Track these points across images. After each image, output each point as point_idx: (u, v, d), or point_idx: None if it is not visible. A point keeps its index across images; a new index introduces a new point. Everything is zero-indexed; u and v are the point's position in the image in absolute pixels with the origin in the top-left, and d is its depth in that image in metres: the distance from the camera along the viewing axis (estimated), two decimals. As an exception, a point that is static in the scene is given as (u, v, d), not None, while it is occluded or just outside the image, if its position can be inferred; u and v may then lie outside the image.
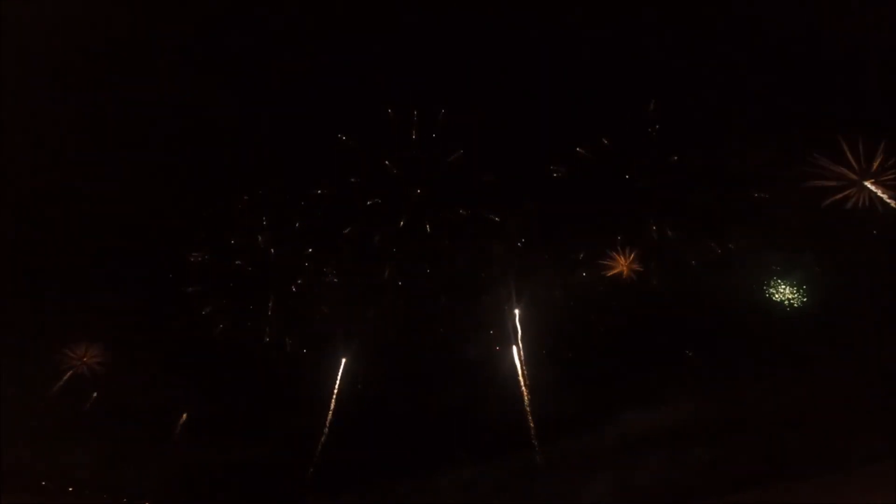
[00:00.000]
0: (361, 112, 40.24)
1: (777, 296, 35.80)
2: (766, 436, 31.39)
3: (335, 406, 39.82)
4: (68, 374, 39.75)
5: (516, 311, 39.19)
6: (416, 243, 41.56)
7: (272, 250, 42.77)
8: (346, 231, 42.20)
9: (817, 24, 33.47)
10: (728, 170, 36.28)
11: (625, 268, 36.88)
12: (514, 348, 38.71)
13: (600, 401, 35.65)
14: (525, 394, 37.73)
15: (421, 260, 41.60)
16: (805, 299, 35.31)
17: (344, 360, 40.95)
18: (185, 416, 40.43)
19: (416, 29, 39.70)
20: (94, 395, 40.40)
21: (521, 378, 38.01)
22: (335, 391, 40.16)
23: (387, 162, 41.69)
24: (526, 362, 38.38)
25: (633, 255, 36.69)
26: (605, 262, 37.59)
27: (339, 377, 40.61)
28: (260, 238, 42.64)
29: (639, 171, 38.78)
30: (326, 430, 39.36)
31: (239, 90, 40.76)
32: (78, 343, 40.56)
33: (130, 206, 40.73)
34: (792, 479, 28.50)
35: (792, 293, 35.58)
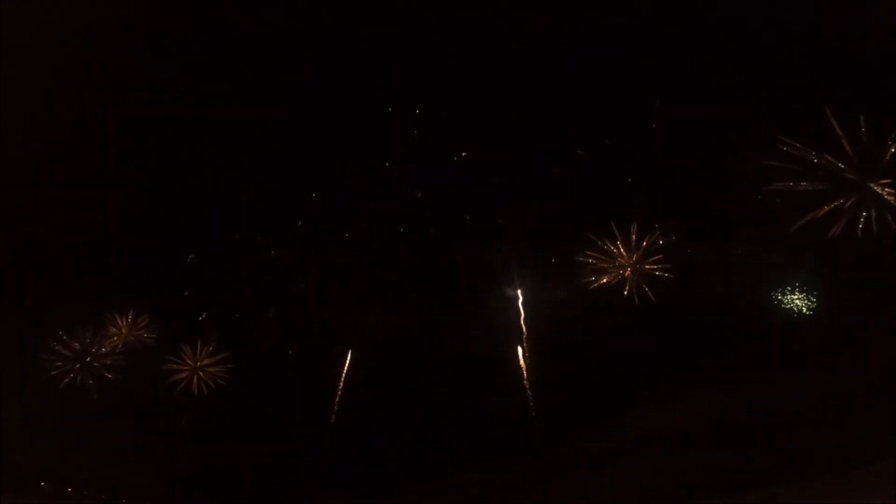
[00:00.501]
0: (362, 113, 40.16)
1: (779, 296, 35.71)
2: (766, 436, 31.55)
3: (337, 408, 39.84)
4: (69, 375, 39.54)
5: (521, 312, 39.19)
6: (417, 245, 41.57)
7: (272, 252, 42.67)
8: (347, 234, 42.21)
9: (822, 21, 32.80)
10: (731, 170, 35.97)
11: (629, 269, 36.67)
12: (519, 349, 38.75)
13: (604, 401, 35.76)
14: (529, 395, 37.84)
15: (423, 262, 41.56)
16: (807, 300, 35.27)
17: (346, 363, 40.93)
18: (185, 417, 40.36)
19: (416, 28, 39.63)
20: (95, 396, 40.24)
21: (525, 381, 38.11)
22: (338, 393, 40.17)
23: (387, 164, 41.60)
24: (530, 363, 38.43)
25: (636, 256, 36.50)
26: (607, 265, 37.32)
27: (341, 379, 40.59)
28: (259, 239, 42.48)
29: (640, 172, 38.70)
30: (328, 432, 39.42)
31: (239, 90, 40.80)
32: (78, 343, 40.33)
33: (128, 206, 40.56)
34: (792, 479, 28.59)
35: (794, 294, 35.46)
